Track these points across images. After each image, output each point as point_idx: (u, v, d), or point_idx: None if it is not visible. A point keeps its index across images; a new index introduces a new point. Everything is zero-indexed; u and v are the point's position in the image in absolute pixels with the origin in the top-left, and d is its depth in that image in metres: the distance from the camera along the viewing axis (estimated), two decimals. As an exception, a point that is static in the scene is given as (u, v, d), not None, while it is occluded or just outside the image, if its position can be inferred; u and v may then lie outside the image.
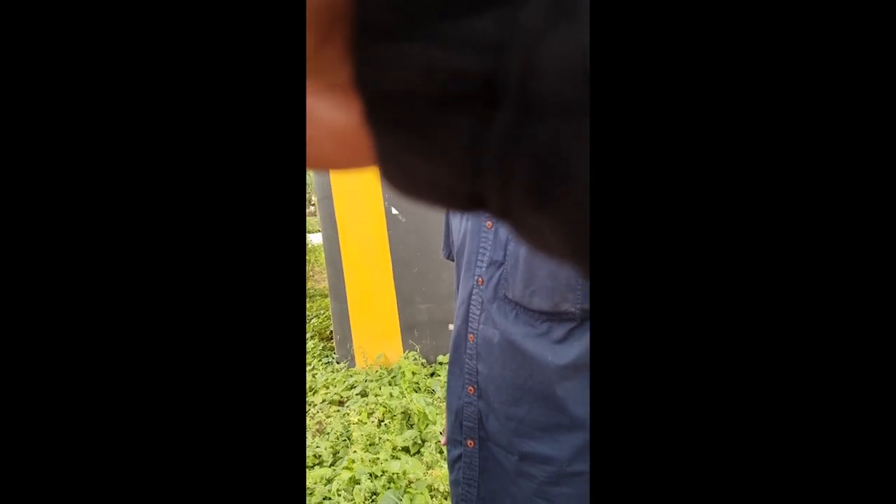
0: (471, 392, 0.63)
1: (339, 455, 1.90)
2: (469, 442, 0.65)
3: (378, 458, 1.77)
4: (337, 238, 2.67)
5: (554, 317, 0.57)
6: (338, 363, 2.85)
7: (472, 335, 0.62)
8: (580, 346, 0.57)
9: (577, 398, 0.57)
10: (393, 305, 2.68)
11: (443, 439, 0.72)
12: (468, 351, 0.63)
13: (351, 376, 2.61)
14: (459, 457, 0.66)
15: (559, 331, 0.58)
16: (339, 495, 1.60)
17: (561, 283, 0.56)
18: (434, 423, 1.97)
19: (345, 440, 2.02)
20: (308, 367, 2.79)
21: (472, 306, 0.63)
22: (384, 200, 2.62)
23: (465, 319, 0.64)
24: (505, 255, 0.59)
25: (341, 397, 2.41)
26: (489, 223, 0.62)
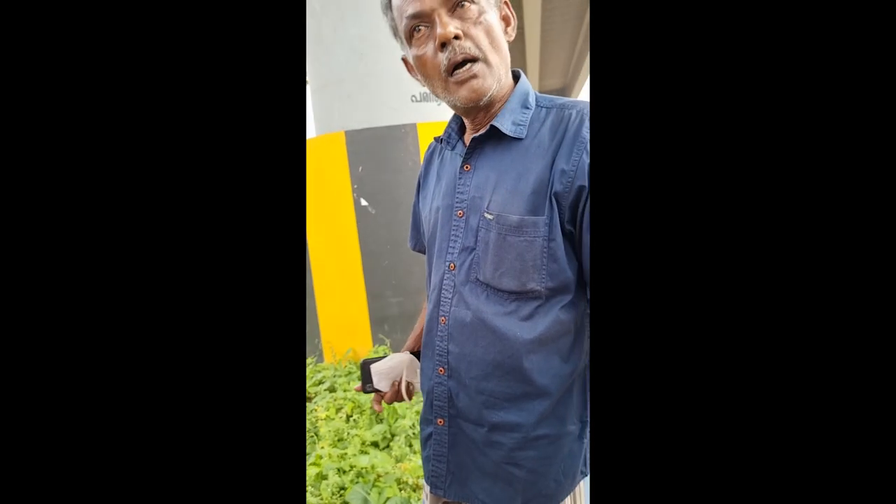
0: (441, 373, 0.65)
1: (307, 452, 1.86)
2: (439, 420, 0.67)
3: (346, 454, 1.74)
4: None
5: (521, 296, 0.60)
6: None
7: (443, 318, 0.64)
8: (545, 321, 0.61)
9: (542, 369, 0.62)
10: (362, 299, 2.65)
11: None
12: (439, 333, 0.65)
13: (319, 372, 2.56)
14: (430, 435, 0.69)
15: (526, 308, 0.61)
16: (307, 491, 1.56)
17: (528, 264, 0.59)
18: (404, 418, 1.95)
19: (312, 436, 1.98)
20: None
21: (443, 290, 0.64)
22: (353, 191, 2.58)
23: (437, 303, 0.65)
24: (476, 240, 0.62)
25: (309, 393, 2.37)
26: (460, 212, 0.63)
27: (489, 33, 0.58)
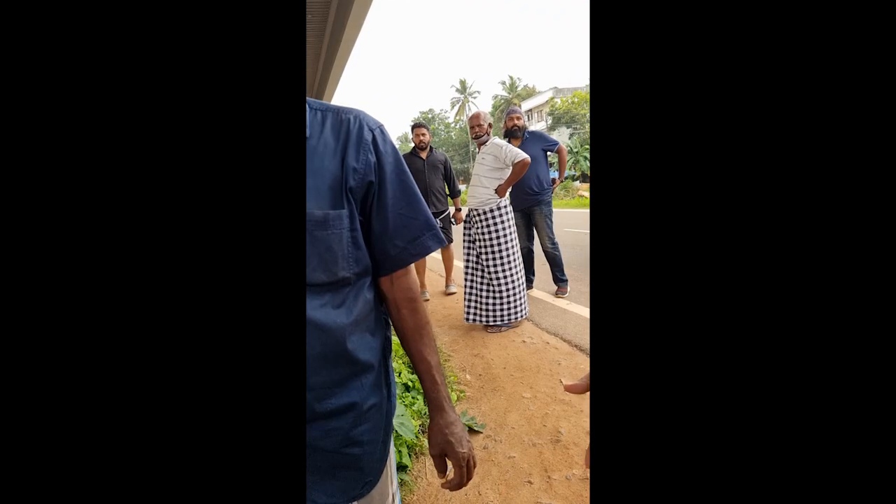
0: None
1: None
2: None
3: None
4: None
5: (333, 285, 0.64)
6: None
7: None
8: (357, 303, 0.66)
9: (361, 347, 0.66)
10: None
11: None
12: None
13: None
14: None
15: (339, 296, 0.64)
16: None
17: (337, 254, 0.63)
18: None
19: None
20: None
21: None
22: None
23: None
24: None
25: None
26: None
27: None
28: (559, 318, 3.16)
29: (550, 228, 3.58)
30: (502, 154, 2.93)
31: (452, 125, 48.53)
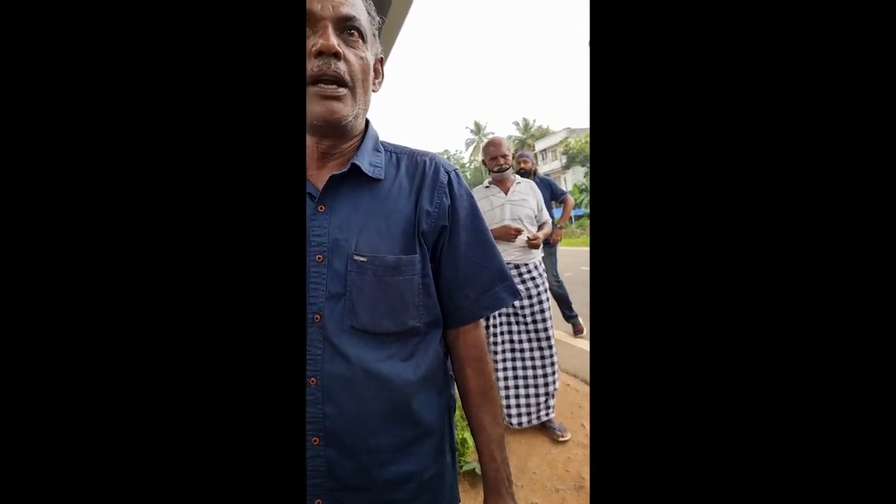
0: (315, 443, 0.56)
1: None
2: (317, 502, 0.56)
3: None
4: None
5: (400, 335, 0.59)
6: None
7: (313, 378, 0.56)
8: (427, 357, 0.61)
9: (427, 407, 0.61)
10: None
11: None
12: (309, 397, 0.56)
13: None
14: None
15: (407, 348, 0.60)
16: None
17: (408, 302, 0.59)
18: None
19: None
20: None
21: (309, 347, 0.56)
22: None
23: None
24: (345, 286, 0.57)
25: None
26: (319, 256, 0.57)
27: (364, 70, 0.59)
28: (578, 358, 3.12)
29: (555, 266, 3.61)
30: (540, 207, 2.30)
31: (468, 165, 49.57)
